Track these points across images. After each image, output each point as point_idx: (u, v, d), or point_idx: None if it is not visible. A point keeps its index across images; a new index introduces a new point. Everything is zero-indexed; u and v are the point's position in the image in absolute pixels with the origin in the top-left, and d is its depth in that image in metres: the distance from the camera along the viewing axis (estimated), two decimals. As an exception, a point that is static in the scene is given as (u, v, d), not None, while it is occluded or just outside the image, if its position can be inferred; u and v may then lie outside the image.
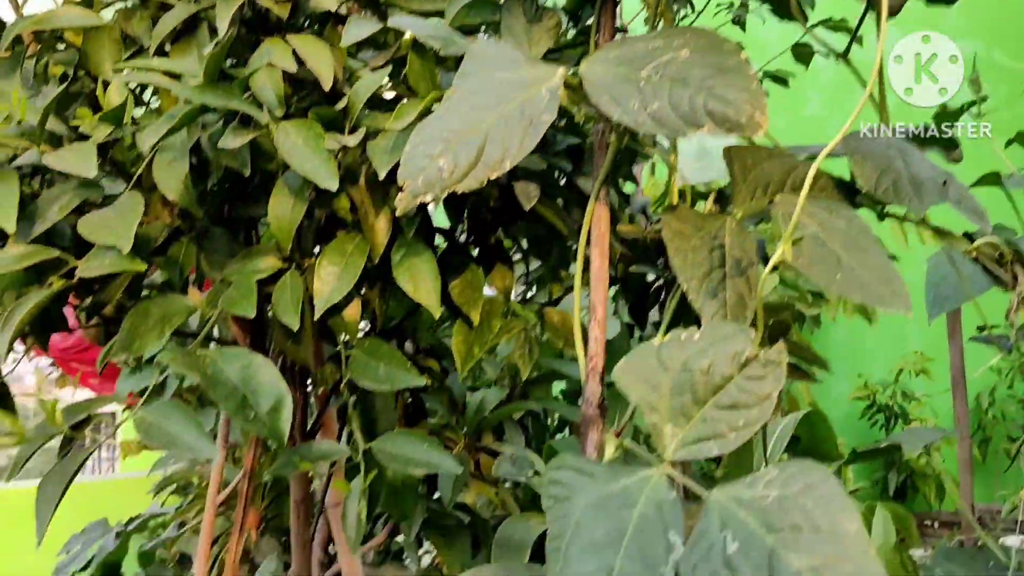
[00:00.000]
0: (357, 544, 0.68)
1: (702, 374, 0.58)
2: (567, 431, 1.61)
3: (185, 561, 1.61)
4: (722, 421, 0.57)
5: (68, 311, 0.81)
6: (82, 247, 0.67)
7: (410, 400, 1.17)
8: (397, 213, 0.58)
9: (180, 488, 1.82)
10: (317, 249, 0.75)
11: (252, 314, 0.64)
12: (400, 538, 1.46)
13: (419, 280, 0.65)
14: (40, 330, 0.71)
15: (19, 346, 2.52)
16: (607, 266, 0.62)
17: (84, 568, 1.70)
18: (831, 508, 0.51)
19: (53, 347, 1.72)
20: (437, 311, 0.65)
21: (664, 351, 0.58)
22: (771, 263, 0.53)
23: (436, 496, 1.42)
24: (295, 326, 0.65)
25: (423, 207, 0.67)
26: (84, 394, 2.61)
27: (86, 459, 0.65)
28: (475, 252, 0.81)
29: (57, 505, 0.60)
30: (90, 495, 2.09)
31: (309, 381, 0.93)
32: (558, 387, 1.66)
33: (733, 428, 0.56)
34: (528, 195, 0.63)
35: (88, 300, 0.74)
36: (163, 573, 1.55)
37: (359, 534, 0.66)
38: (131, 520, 1.70)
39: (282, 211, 0.66)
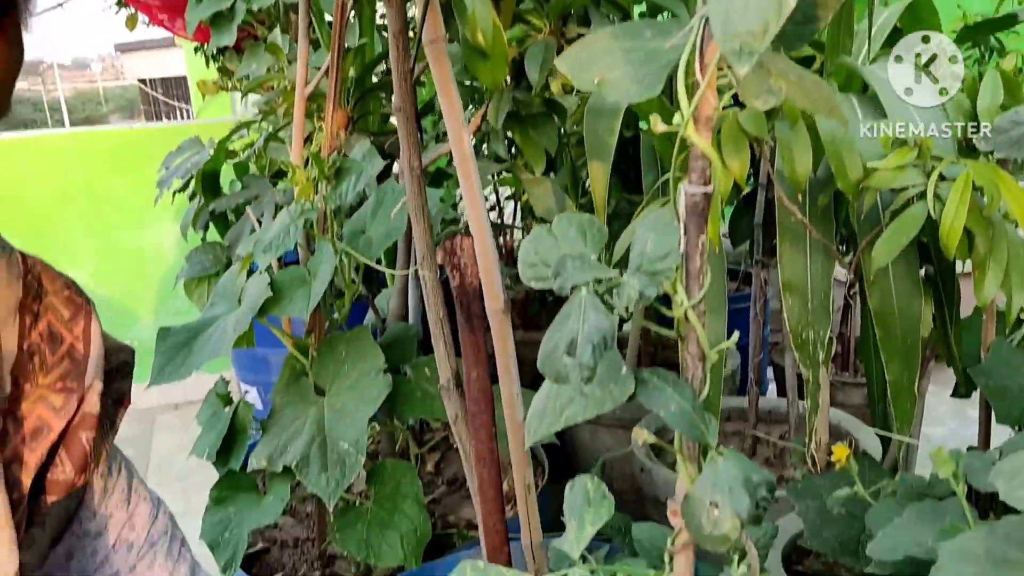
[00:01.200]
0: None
1: None
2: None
3: (276, 168, 1.68)
4: None
5: None
6: None
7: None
8: None
9: (264, 114, 1.85)
10: None
11: None
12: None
13: None
14: None
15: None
16: None
17: (183, 188, 1.79)
18: None
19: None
20: None
21: None
22: None
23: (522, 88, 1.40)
24: None
25: None
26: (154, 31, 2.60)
27: None
28: None
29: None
30: (174, 136, 2.14)
31: None
32: None
33: None
34: None
35: None
36: (258, 181, 1.63)
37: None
38: (220, 141, 1.75)
39: None
